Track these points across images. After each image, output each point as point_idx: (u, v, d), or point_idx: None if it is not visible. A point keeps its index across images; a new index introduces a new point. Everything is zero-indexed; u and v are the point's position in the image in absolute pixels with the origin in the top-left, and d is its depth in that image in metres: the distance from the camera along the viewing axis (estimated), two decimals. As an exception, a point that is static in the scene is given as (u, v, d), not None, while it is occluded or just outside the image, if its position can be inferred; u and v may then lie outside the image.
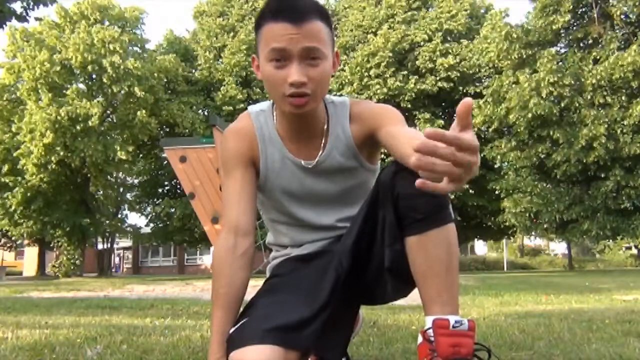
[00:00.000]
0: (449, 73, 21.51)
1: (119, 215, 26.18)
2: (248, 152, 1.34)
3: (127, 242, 36.72)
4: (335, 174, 1.35)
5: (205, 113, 22.59)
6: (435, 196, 1.12)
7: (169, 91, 22.44)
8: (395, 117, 1.30)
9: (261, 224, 1.40)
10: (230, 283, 1.26)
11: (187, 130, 20.62)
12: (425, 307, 1.16)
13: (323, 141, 1.33)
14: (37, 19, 12.63)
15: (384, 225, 1.20)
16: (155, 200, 25.07)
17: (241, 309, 1.27)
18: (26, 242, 26.99)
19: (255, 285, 1.29)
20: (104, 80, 19.47)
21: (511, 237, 29.89)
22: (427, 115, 21.43)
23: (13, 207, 20.17)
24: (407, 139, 1.15)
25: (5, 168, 20.32)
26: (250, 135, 1.35)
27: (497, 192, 19.87)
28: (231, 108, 22.24)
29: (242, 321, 1.20)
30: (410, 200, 1.13)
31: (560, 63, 18.04)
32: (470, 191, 22.06)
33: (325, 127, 1.33)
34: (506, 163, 20.30)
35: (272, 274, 1.43)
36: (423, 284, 1.16)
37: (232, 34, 24.58)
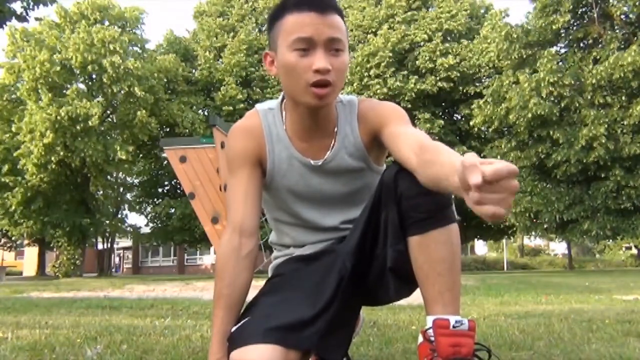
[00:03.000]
0: (449, 73, 21.51)
1: (119, 215, 26.16)
2: (255, 151, 1.32)
3: (127, 242, 36.70)
4: (342, 174, 1.34)
5: (205, 113, 22.60)
6: (438, 195, 1.12)
7: (169, 91, 22.44)
8: (400, 116, 1.29)
9: (261, 224, 1.39)
10: (233, 283, 1.26)
11: (187, 130, 20.62)
12: (427, 306, 1.16)
13: (332, 141, 1.32)
14: (37, 19, 12.63)
15: (387, 226, 1.19)
16: (155, 200, 25.09)
17: (242, 309, 1.27)
18: (26, 242, 26.99)
19: (256, 285, 1.29)
20: (104, 80, 19.47)
21: (511, 237, 29.90)
22: (427, 115, 21.43)
23: (13, 207, 20.17)
24: (409, 141, 1.15)
25: (5, 168, 20.31)
26: (258, 134, 1.33)
27: (497, 192, 19.84)
28: (231, 108, 22.25)
29: (244, 320, 1.20)
30: (413, 199, 1.13)
31: (560, 63, 18.03)
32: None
33: (335, 126, 1.32)
34: (506, 163, 20.26)
35: (274, 273, 1.43)
36: (425, 284, 1.16)
37: (232, 34, 24.59)
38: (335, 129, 1.32)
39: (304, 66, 1.18)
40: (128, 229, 26.57)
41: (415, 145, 1.11)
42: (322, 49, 1.18)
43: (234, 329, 1.20)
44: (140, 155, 23.46)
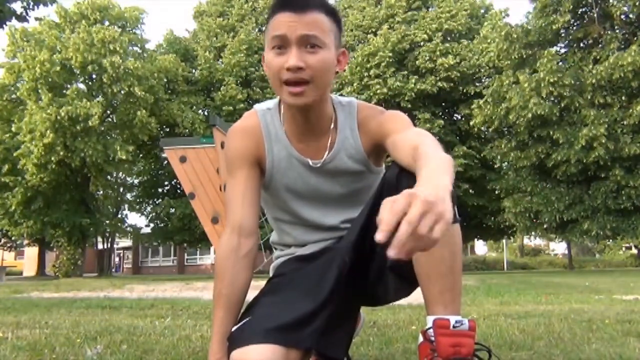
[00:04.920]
0: (449, 73, 21.51)
1: (119, 215, 26.17)
2: (254, 151, 1.33)
3: (127, 242, 36.70)
4: (341, 175, 1.34)
5: (205, 113, 22.61)
6: None
7: (169, 91, 22.44)
8: (400, 124, 1.27)
9: (261, 224, 1.39)
10: (232, 283, 1.26)
11: (187, 130, 20.63)
12: (428, 306, 1.16)
13: (330, 141, 1.32)
14: (37, 19, 12.69)
15: None
16: (155, 200, 25.09)
17: (243, 309, 1.27)
18: (26, 242, 26.98)
19: (256, 285, 1.29)
20: (104, 80, 19.46)
21: (511, 237, 29.90)
22: (427, 115, 21.43)
23: (13, 207, 20.16)
24: (405, 149, 1.15)
25: (5, 168, 20.29)
26: (256, 134, 1.33)
27: (497, 192, 19.89)
28: (231, 108, 22.26)
29: (244, 320, 1.20)
30: None
31: (560, 63, 18.02)
32: (471, 191, 22.06)
33: (333, 127, 1.32)
34: (506, 163, 20.29)
35: (275, 273, 1.43)
36: (426, 284, 1.16)
37: (232, 34, 24.59)
38: (333, 128, 1.32)
39: (278, 64, 1.20)
40: (128, 229, 26.56)
41: (410, 150, 1.12)
42: (295, 46, 1.18)
43: (234, 328, 1.20)
44: (140, 155, 23.45)
